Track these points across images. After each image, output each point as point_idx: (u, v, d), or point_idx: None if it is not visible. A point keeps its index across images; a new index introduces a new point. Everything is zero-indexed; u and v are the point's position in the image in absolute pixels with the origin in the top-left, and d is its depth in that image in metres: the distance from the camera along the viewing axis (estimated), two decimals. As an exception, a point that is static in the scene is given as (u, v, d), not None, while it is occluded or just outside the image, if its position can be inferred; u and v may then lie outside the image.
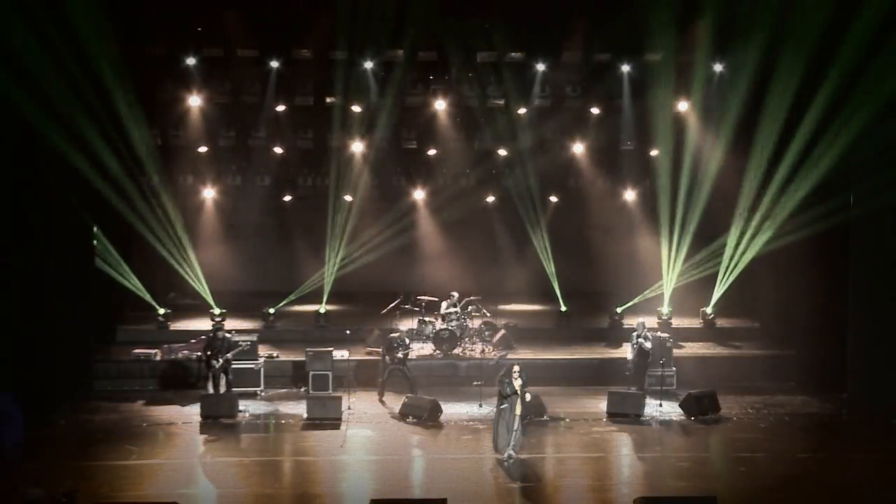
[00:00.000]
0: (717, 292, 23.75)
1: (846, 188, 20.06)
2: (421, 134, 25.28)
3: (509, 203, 26.26)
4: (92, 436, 17.94)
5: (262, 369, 20.78)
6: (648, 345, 20.28)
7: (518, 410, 16.44)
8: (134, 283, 23.13)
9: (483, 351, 22.51)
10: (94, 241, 21.62)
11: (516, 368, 16.70)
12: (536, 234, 25.44)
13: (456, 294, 23.00)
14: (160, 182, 23.39)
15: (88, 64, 19.07)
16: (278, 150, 25.55)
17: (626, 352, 20.95)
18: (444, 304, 22.84)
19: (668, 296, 24.00)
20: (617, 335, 23.08)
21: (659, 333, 21.87)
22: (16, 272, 18.74)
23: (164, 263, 23.81)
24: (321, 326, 24.01)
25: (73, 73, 18.79)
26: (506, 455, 16.40)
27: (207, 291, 24.20)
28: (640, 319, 21.25)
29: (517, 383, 16.47)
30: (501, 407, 16.60)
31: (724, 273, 23.37)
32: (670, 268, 23.79)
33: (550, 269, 25.27)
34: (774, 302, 23.66)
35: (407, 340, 20.53)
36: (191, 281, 24.09)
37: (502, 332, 23.00)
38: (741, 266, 23.06)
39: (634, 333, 20.52)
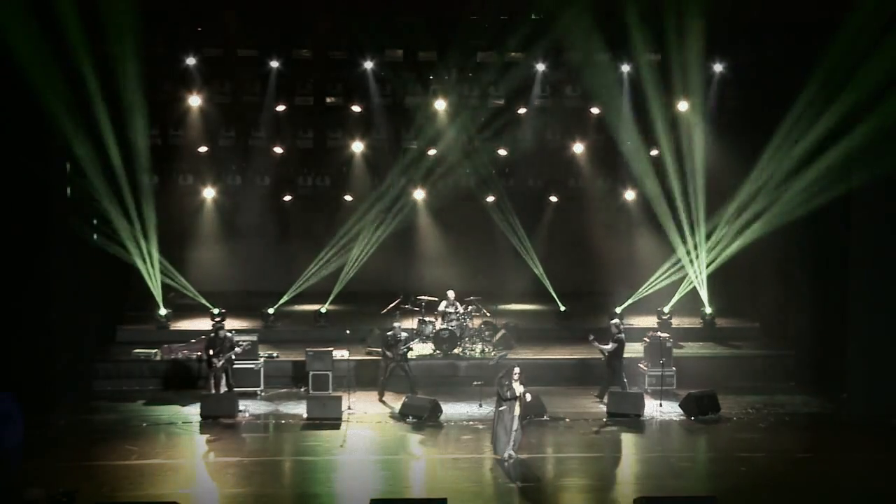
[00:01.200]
0: (705, 291, 23.71)
1: (842, 183, 20.01)
2: (421, 134, 25.24)
3: (508, 203, 26.20)
4: (92, 436, 17.94)
5: (262, 369, 20.78)
6: (603, 346, 19.93)
7: (517, 412, 16.43)
8: (154, 278, 23.05)
9: (483, 351, 22.49)
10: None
11: (517, 371, 16.66)
12: (523, 233, 25.44)
13: (452, 293, 22.93)
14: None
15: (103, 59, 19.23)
16: (278, 150, 25.51)
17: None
18: (442, 305, 22.81)
19: (679, 295, 23.93)
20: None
21: (659, 333, 21.84)
22: (16, 272, 18.73)
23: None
24: (321, 326, 24.00)
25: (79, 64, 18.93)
26: (506, 455, 16.39)
27: (198, 294, 24.17)
28: (614, 320, 20.93)
29: (518, 387, 16.44)
30: (500, 409, 16.58)
31: (706, 270, 23.37)
32: (692, 264, 23.65)
33: (538, 269, 25.22)
34: (774, 302, 23.63)
35: (404, 334, 20.48)
36: (178, 287, 24.05)
37: (502, 332, 22.98)
38: (714, 262, 23.07)
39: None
